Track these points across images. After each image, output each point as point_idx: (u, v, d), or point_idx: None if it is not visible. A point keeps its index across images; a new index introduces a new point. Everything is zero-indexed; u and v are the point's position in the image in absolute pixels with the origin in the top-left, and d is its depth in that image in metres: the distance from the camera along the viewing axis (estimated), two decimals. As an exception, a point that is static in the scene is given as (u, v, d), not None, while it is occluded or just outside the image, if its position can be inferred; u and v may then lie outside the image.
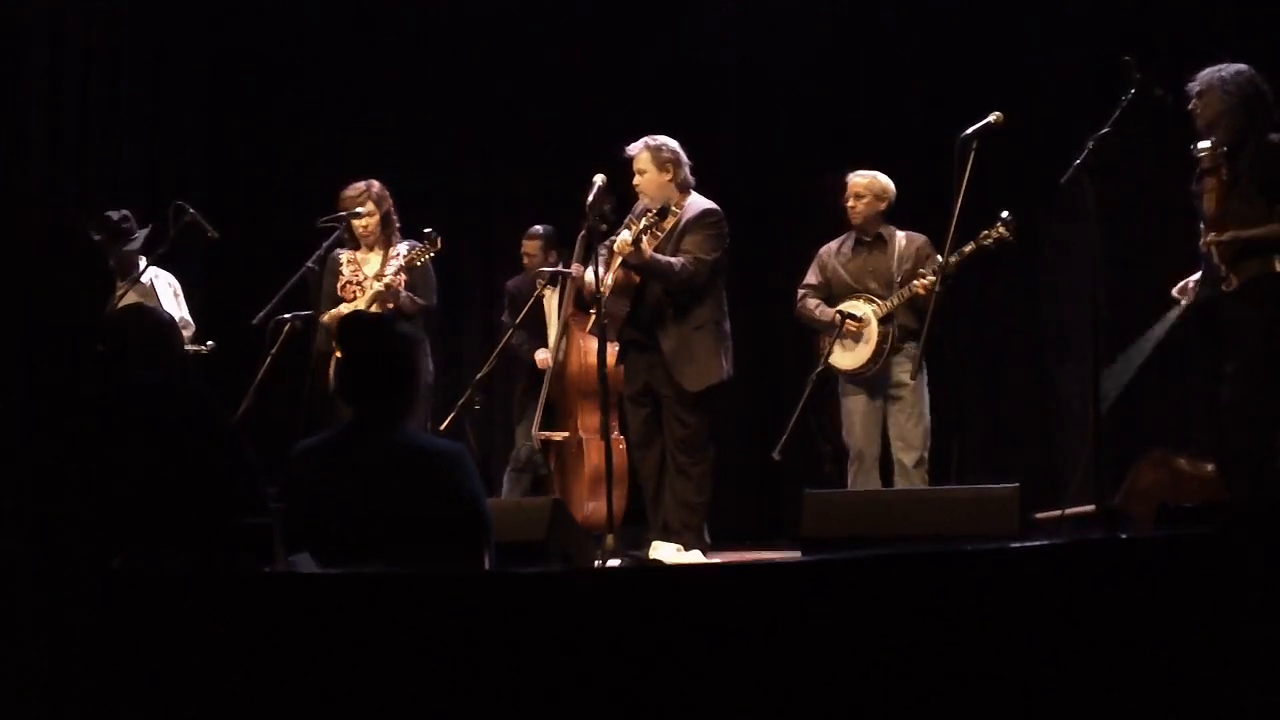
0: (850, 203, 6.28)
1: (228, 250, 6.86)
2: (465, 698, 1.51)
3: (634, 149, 6.05)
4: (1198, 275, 5.33)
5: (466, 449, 3.44)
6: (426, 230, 6.19)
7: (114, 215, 6.38)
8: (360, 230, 6.27)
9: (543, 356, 7.31)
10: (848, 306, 6.16)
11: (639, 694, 1.49)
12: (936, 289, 5.75)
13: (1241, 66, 5.12)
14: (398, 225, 6.37)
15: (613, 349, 6.45)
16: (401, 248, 6.26)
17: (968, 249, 5.87)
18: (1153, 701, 1.49)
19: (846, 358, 6.14)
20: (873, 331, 6.10)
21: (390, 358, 3.38)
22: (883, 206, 6.27)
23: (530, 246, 7.64)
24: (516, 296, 7.50)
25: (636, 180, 6.04)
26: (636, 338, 6.07)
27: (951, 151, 5.40)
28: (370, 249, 6.33)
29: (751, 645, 1.47)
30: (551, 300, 7.30)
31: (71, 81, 7.66)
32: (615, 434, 6.61)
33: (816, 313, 6.24)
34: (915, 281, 5.99)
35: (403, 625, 1.53)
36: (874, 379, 6.14)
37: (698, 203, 6.07)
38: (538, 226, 7.68)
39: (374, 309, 5.96)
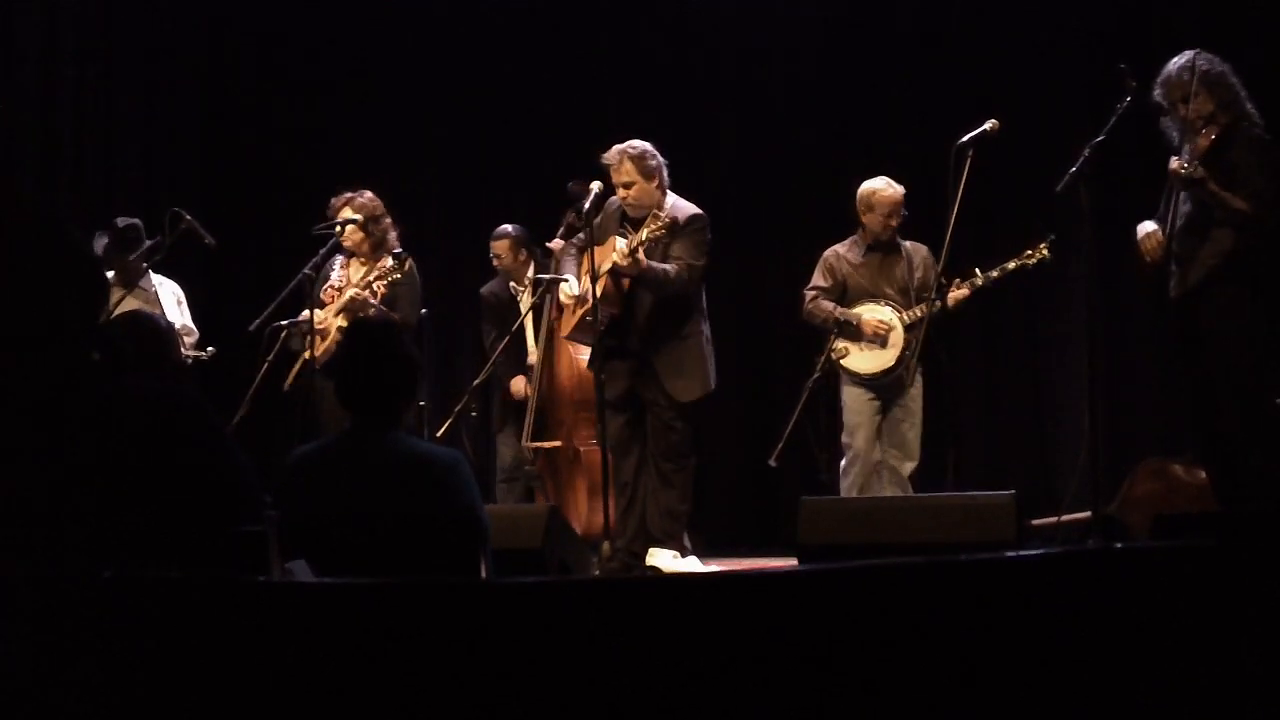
0: (894, 221, 6.15)
1: (224, 257, 6.85)
2: (462, 707, 1.51)
3: (612, 158, 5.86)
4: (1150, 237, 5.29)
5: (464, 456, 3.43)
6: (396, 252, 6.03)
7: (121, 223, 6.38)
8: (345, 240, 6.11)
9: (518, 386, 7.13)
10: (870, 310, 6.14)
11: (636, 703, 1.49)
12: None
13: (1200, 55, 5.15)
14: (390, 236, 6.16)
15: (577, 354, 6.42)
16: (387, 262, 6.01)
17: (1011, 265, 5.97)
18: (1149, 713, 1.49)
19: (865, 360, 6.11)
20: (898, 337, 6.09)
21: (394, 366, 3.37)
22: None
23: (499, 247, 7.25)
24: (494, 303, 7.26)
25: (623, 193, 5.87)
26: (616, 344, 5.89)
27: (947, 158, 5.41)
28: (361, 260, 6.16)
29: (747, 655, 1.47)
30: (524, 306, 6.98)
31: (65, 88, 7.66)
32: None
33: (836, 313, 6.14)
34: (951, 294, 5.96)
35: (399, 634, 1.53)
36: (884, 385, 6.13)
37: (682, 206, 5.91)
38: (506, 226, 7.29)
39: (340, 319, 5.85)
